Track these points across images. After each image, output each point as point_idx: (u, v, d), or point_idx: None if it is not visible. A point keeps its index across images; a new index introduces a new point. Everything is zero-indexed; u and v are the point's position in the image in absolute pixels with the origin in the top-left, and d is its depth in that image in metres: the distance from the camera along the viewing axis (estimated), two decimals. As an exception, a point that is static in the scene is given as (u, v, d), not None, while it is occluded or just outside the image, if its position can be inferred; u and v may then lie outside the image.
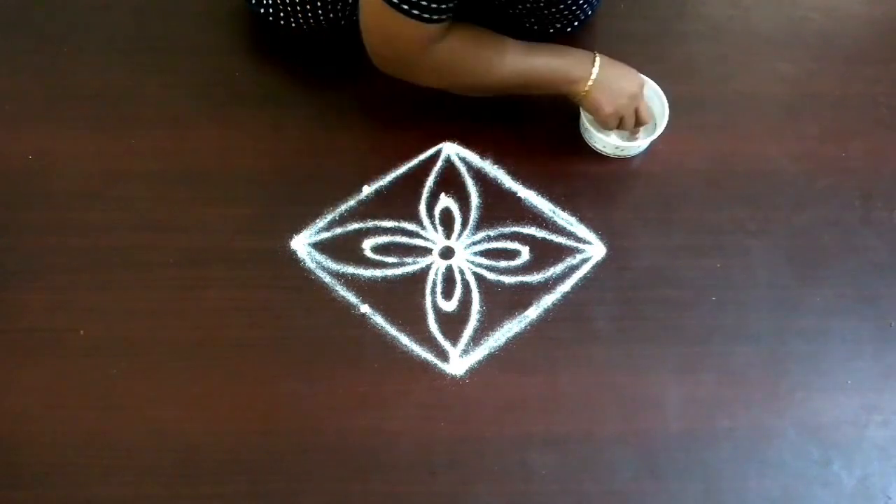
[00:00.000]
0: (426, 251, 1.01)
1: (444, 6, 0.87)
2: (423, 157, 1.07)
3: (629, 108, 1.01)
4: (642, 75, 1.06)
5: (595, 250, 1.02)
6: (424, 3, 0.85)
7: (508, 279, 1.00)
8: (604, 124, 1.02)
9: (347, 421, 0.91)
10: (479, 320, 0.97)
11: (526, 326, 0.97)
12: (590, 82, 0.97)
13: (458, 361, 0.95)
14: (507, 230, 1.03)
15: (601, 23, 1.18)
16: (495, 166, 1.07)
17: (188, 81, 1.12)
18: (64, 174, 1.05)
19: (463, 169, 1.07)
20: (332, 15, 1.08)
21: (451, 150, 1.08)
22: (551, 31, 1.14)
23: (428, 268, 1.00)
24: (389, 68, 0.97)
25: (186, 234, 1.01)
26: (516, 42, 0.98)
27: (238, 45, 1.15)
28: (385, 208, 1.03)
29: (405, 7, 0.85)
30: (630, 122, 1.03)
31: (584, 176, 1.07)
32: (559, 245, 1.02)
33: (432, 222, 1.03)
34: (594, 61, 0.98)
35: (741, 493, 0.90)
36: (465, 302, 0.98)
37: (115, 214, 1.02)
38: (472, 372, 0.94)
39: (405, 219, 1.03)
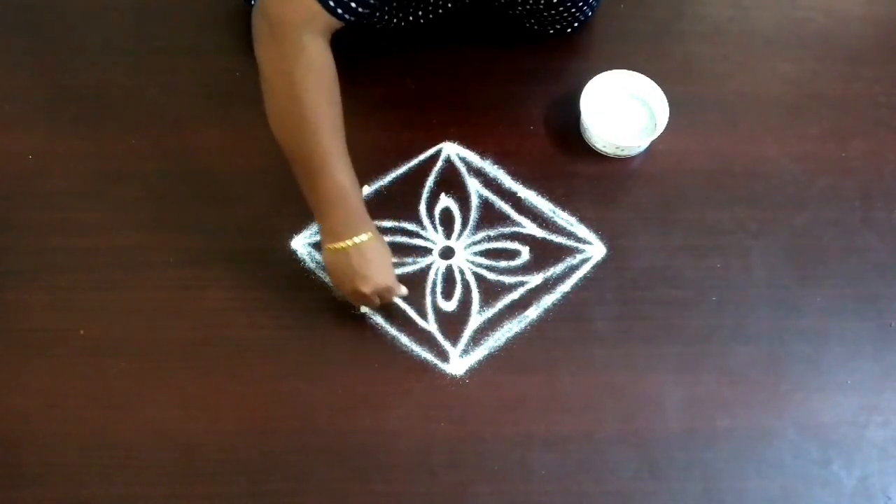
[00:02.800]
0: (426, 251, 1.01)
1: (354, 6, 0.80)
2: (423, 157, 1.07)
3: (353, 296, 0.91)
4: (641, 75, 1.06)
5: (595, 250, 1.02)
6: None
7: (508, 279, 1.00)
8: (334, 284, 0.93)
9: (347, 421, 0.91)
10: (479, 320, 0.97)
11: (526, 326, 0.97)
12: (331, 246, 0.88)
13: (458, 361, 0.95)
14: (507, 230, 1.03)
15: (601, 23, 1.18)
16: (495, 166, 1.07)
17: (188, 81, 1.12)
18: (64, 174, 1.05)
19: (463, 169, 1.07)
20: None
21: (451, 150, 1.08)
22: (551, 31, 1.14)
23: (428, 268, 1.00)
24: (255, 28, 0.82)
25: (186, 234, 1.01)
26: (335, 139, 0.84)
27: (238, 45, 1.15)
28: (385, 208, 1.03)
29: None
30: (356, 302, 0.93)
31: (584, 176, 1.07)
32: (559, 245, 1.02)
33: (432, 222, 1.03)
34: (364, 232, 0.87)
35: (741, 493, 0.90)
36: (465, 302, 0.98)
37: (115, 214, 1.02)
38: (472, 372, 0.94)
39: (405, 219, 1.03)
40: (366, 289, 0.88)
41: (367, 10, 0.82)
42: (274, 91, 0.82)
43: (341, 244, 0.87)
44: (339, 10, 0.80)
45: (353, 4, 0.80)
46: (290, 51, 0.80)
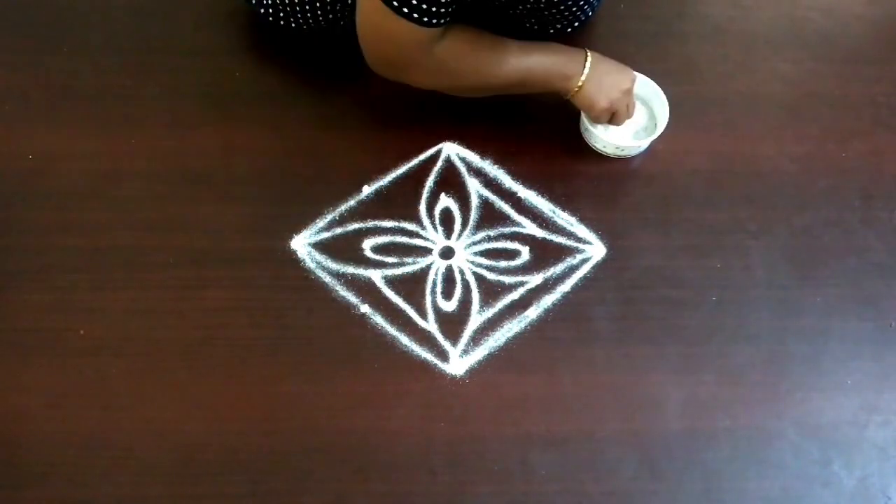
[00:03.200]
0: (426, 251, 1.01)
1: (443, 10, 0.86)
2: (423, 157, 1.07)
3: (622, 102, 1.01)
4: (641, 75, 1.07)
5: (595, 250, 1.02)
6: (424, 6, 0.85)
7: (508, 279, 1.00)
8: (596, 119, 1.03)
9: (347, 421, 0.91)
10: (479, 320, 0.97)
11: (526, 326, 0.97)
12: (582, 78, 0.98)
13: (458, 361, 0.95)
14: (507, 230, 1.03)
15: (601, 23, 1.18)
16: (495, 166, 1.07)
17: (188, 81, 1.12)
18: (64, 174, 1.05)
19: (463, 169, 1.07)
20: (331, 15, 1.08)
21: (451, 150, 1.08)
22: (551, 31, 1.14)
23: (428, 268, 1.00)
24: (385, 70, 0.97)
25: (186, 234, 1.01)
26: (510, 42, 0.98)
27: (238, 45, 1.15)
28: (385, 208, 1.03)
29: (405, 10, 0.85)
30: (622, 117, 1.03)
31: (584, 176, 1.07)
32: (559, 245, 1.02)
33: (432, 222, 1.03)
34: (586, 58, 0.98)
35: (741, 493, 0.90)
36: (465, 302, 0.98)
37: (115, 214, 1.02)
38: (472, 372, 0.94)
39: (405, 219, 1.03)
40: (627, 83, 1.01)
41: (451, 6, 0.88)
42: (451, 89, 1.01)
43: (581, 78, 0.98)
44: (433, 20, 0.87)
45: (434, 8, 0.86)
46: (433, 62, 0.94)
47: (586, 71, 0.98)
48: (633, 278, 1.00)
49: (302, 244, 1.01)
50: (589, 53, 0.99)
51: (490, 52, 0.96)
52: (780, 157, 1.09)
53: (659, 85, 1.07)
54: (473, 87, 1.01)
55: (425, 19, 0.86)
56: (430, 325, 0.97)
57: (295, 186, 1.05)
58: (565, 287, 0.99)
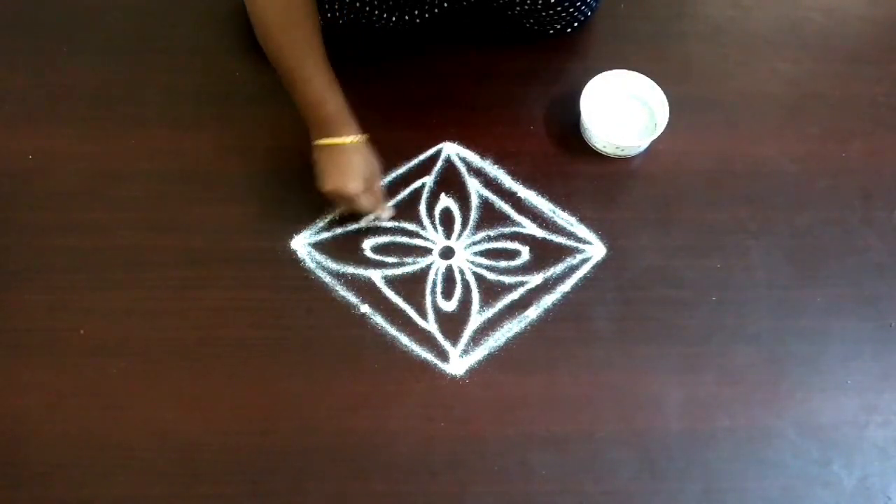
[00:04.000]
0: (426, 251, 1.01)
1: None
2: (423, 157, 1.07)
3: (339, 200, 0.96)
4: (641, 75, 1.07)
5: (595, 250, 1.02)
6: None
7: (508, 279, 1.00)
8: (319, 184, 0.96)
9: (347, 421, 0.91)
10: (479, 320, 0.97)
11: (526, 326, 0.97)
12: (325, 141, 0.93)
13: (458, 361, 0.95)
14: (507, 230, 1.03)
15: (601, 23, 1.18)
16: (495, 166, 1.07)
17: (188, 81, 1.12)
18: (64, 174, 1.05)
19: (463, 169, 1.07)
20: (329, 14, 1.08)
21: (451, 150, 1.08)
22: (551, 31, 1.14)
23: (428, 268, 1.00)
24: None
25: (186, 234, 1.01)
26: (317, 56, 0.91)
27: (238, 45, 1.15)
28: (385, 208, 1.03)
29: None
30: (340, 201, 0.98)
31: (584, 176, 1.07)
32: (559, 245, 1.02)
33: (432, 222, 1.03)
34: (353, 136, 0.93)
35: (741, 493, 0.90)
36: (465, 302, 0.98)
37: (115, 214, 1.02)
38: (472, 372, 0.94)
39: (405, 219, 1.03)
40: (324, 187, 0.94)
41: None
42: (258, 21, 0.90)
43: (317, 142, 0.94)
44: None
45: None
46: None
47: (335, 140, 0.93)
48: (633, 278, 1.00)
49: (302, 244, 1.01)
50: (358, 138, 0.93)
51: (295, 32, 0.90)
52: (780, 157, 1.09)
53: (659, 85, 1.07)
54: (264, 46, 0.92)
55: None
56: (430, 325, 0.97)
57: (295, 186, 1.05)
58: (565, 287, 0.99)
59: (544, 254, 1.01)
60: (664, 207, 1.05)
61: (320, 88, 0.92)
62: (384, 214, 1.01)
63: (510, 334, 0.96)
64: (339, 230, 1.02)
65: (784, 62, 1.17)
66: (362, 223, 1.02)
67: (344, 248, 1.01)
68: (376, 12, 1.07)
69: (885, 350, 0.98)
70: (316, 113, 0.93)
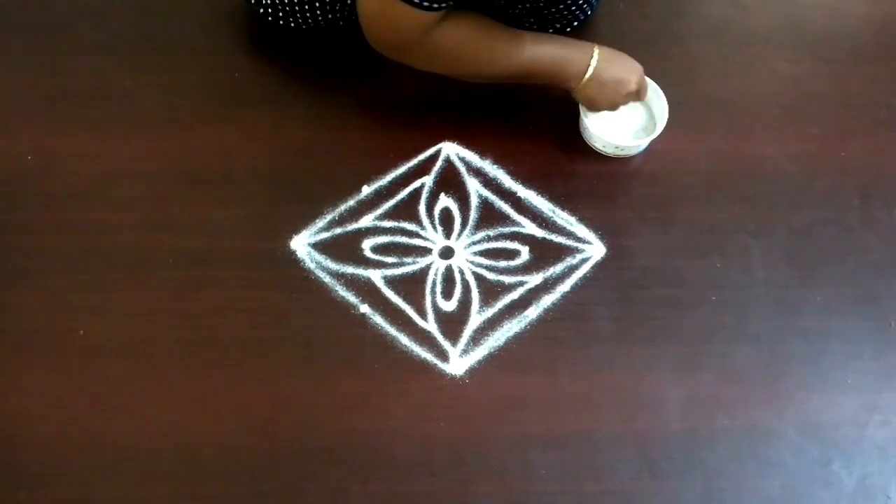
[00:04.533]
0: (426, 251, 1.02)
1: None
2: (423, 157, 1.07)
3: (624, 101, 1.02)
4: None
5: (595, 250, 1.02)
6: None
7: (508, 279, 1.00)
8: (596, 111, 1.04)
9: (347, 421, 0.91)
10: (478, 320, 0.97)
11: (526, 326, 0.97)
12: (586, 77, 0.98)
13: (458, 361, 0.95)
14: (506, 230, 1.03)
15: (601, 23, 1.18)
16: (495, 166, 1.07)
17: (188, 81, 1.12)
18: (64, 174, 1.05)
19: (463, 169, 1.07)
20: (330, 15, 1.08)
21: (451, 150, 1.08)
22: (551, 30, 1.14)
23: (428, 268, 1.00)
24: (386, 52, 0.97)
25: (186, 234, 1.01)
26: (513, 31, 0.97)
27: (238, 45, 1.15)
28: (385, 208, 1.03)
29: None
30: (624, 105, 1.04)
31: (584, 176, 1.07)
32: (559, 245, 1.02)
33: (432, 222, 1.03)
34: (592, 56, 0.98)
35: (741, 493, 0.90)
36: (465, 302, 0.98)
37: (115, 214, 1.02)
38: (472, 372, 0.94)
39: (405, 219, 1.03)
40: (636, 81, 1.00)
41: None
42: (451, 73, 0.99)
43: (588, 74, 0.97)
44: (433, 4, 0.87)
45: None
46: (430, 48, 0.93)
47: (590, 71, 0.97)
48: (632, 278, 1.00)
49: (302, 244, 1.01)
50: (596, 51, 0.98)
51: (492, 41, 0.96)
52: (780, 157, 1.09)
53: (659, 85, 1.07)
54: (474, 74, 1.01)
55: (425, 3, 0.86)
56: (430, 325, 0.97)
57: (295, 186, 1.05)
58: (565, 287, 0.99)
59: (544, 253, 1.01)
60: (664, 207, 1.05)
61: (541, 49, 0.97)
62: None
63: (510, 334, 0.96)
64: (338, 230, 1.02)
65: (784, 62, 1.17)
66: (362, 222, 1.01)
67: (344, 248, 1.01)
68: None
69: (885, 350, 0.98)
70: (560, 67, 0.97)
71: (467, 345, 0.96)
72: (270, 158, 1.07)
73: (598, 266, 1.01)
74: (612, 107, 1.02)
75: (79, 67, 1.13)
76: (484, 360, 0.95)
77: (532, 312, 0.98)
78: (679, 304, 0.99)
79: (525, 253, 1.02)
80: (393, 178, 1.06)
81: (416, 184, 1.05)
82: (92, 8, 1.19)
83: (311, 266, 1.00)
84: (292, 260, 1.00)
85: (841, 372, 0.96)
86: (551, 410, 0.93)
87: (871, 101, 1.14)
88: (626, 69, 1.00)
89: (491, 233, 1.03)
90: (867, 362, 0.97)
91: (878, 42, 1.21)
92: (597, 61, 0.97)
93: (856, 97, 1.14)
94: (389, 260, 1.00)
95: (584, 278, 1.00)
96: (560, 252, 1.02)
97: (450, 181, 1.06)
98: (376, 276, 0.99)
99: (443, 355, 0.95)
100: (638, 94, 1.03)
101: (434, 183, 1.06)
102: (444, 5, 0.88)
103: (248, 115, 1.10)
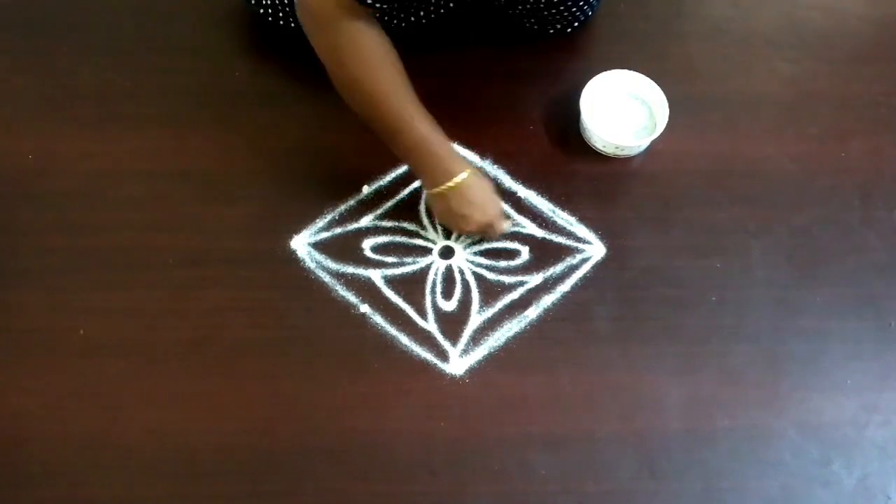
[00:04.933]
0: (426, 251, 1.01)
1: None
2: (423, 157, 1.07)
3: (458, 231, 0.98)
4: (641, 74, 1.07)
5: (595, 250, 1.02)
6: None
7: (508, 279, 1.00)
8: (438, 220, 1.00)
9: (347, 421, 0.91)
10: (478, 320, 0.97)
11: (526, 326, 0.97)
12: (435, 189, 0.93)
13: (458, 361, 0.95)
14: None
15: (601, 23, 1.18)
16: (495, 166, 1.07)
17: (188, 81, 1.12)
18: (64, 174, 1.05)
19: (463, 169, 1.07)
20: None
21: (451, 150, 1.08)
22: (551, 31, 1.14)
23: (428, 268, 1.00)
24: (303, 21, 0.89)
25: (186, 234, 1.01)
26: (415, 99, 0.90)
27: (238, 45, 1.15)
28: (385, 208, 1.03)
29: None
30: (466, 233, 0.99)
31: (584, 176, 1.07)
32: (559, 245, 1.02)
33: (432, 222, 1.03)
34: (456, 177, 0.91)
35: (740, 493, 0.90)
36: (465, 302, 0.98)
37: (115, 214, 1.02)
38: (472, 372, 0.94)
39: (405, 219, 1.03)
40: (470, 228, 0.95)
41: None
42: (333, 75, 0.90)
43: (438, 189, 0.92)
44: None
45: None
46: (334, 38, 0.87)
47: (441, 188, 0.92)
48: (632, 278, 1.00)
49: (302, 244, 1.01)
50: (463, 177, 0.91)
51: (392, 80, 0.88)
52: (780, 157, 1.09)
53: (659, 85, 1.07)
54: (348, 99, 0.91)
55: None
56: (430, 325, 0.97)
57: (295, 186, 1.05)
58: (565, 287, 0.99)
59: (544, 253, 1.01)
60: (664, 207, 1.05)
61: (426, 131, 0.90)
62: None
63: (510, 334, 0.96)
64: (338, 230, 1.02)
65: (784, 62, 1.17)
66: (362, 222, 1.01)
67: (344, 248, 1.01)
68: (377, 14, 1.07)
69: (885, 350, 0.98)
70: (426, 157, 0.91)
71: (467, 345, 0.96)
72: (270, 158, 1.07)
73: (598, 266, 1.01)
74: (448, 226, 0.98)
75: (79, 67, 1.13)
76: (484, 360, 0.95)
77: (532, 312, 0.98)
78: (679, 304, 0.99)
79: (525, 253, 1.02)
80: (393, 178, 1.05)
81: (417, 184, 1.05)
82: (92, 8, 1.18)
83: (311, 266, 1.00)
84: (292, 260, 1.00)
85: (841, 372, 0.96)
86: (551, 410, 0.93)
87: (871, 101, 1.14)
88: (477, 209, 0.93)
89: (491, 233, 1.03)
90: (867, 362, 0.97)
91: (878, 42, 1.21)
92: (454, 184, 0.91)
93: (856, 97, 1.14)
94: (389, 260, 1.00)
95: (584, 278, 1.00)
96: (560, 252, 1.02)
97: (450, 181, 1.06)
98: (376, 275, 0.99)
99: (443, 355, 0.95)
100: (483, 233, 0.97)
101: (434, 183, 1.05)
102: (372, 3, 0.85)
103: (247, 114, 1.10)
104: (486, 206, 0.95)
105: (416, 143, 0.90)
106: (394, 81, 0.89)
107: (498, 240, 1.01)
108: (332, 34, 0.86)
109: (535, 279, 1.00)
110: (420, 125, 0.89)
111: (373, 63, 0.88)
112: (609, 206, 1.06)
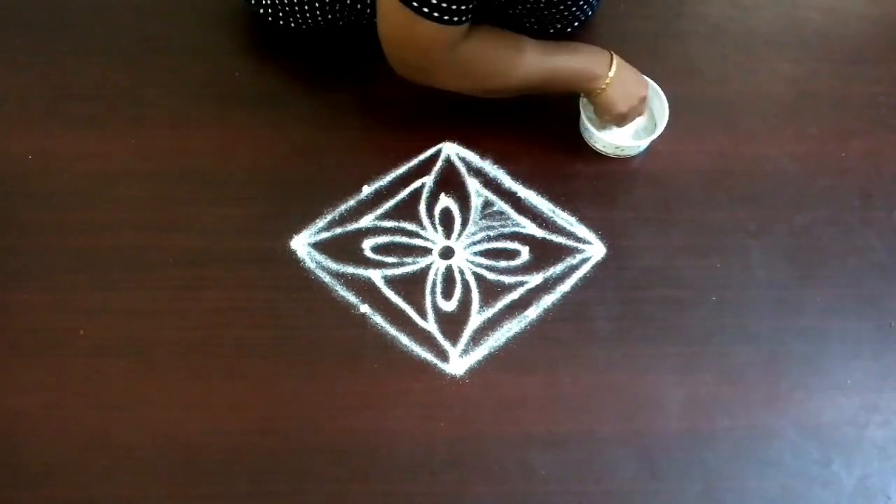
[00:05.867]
0: (426, 251, 1.02)
1: (464, 7, 0.85)
2: (423, 157, 1.07)
3: (638, 110, 1.03)
4: (642, 74, 1.07)
5: (595, 250, 1.02)
6: (444, 5, 0.83)
7: (508, 279, 1.00)
8: (611, 121, 1.03)
9: (347, 421, 0.91)
10: (478, 320, 0.97)
11: (526, 326, 0.97)
12: (607, 80, 0.98)
13: (458, 361, 0.95)
14: (507, 230, 1.03)
15: (601, 23, 1.18)
16: (495, 166, 1.07)
17: (188, 81, 1.12)
18: (64, 174, 1.05)
19: (463, 169, 1.07)
20: (330, 15, 1.08)
21: (451, 150, 1.08)
22: (551, 31, 1.14)
23: (428, 268, 1.00)
24: (409, 73, 0.96)
25: (186, 234, 1.01)
26: (534, 42, 0.97)
27: (238, 45, 1.15)
28: (385, 208, 1.03)
29: (425, 10, 0.84)
30: (629, 121, 1.04)
31: (584, 176, 1.07)
32: (559, 245, 1.02)
33: (432, 222, 1.03)
34: (611, 61, 0.98)
35: (741, 493, 0.90)
36: (465, 302, 0.98)
37: (115, 214, 1.02)
38: (472, 372, 0.94)
39: (405, 219, 1.03)
40: (644, 91, 1.02)
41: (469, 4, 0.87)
42: (472, 90, 0.99)
43: (607, 80, 0.98)
44: (454, 17, 0.86)
45: (454, 6, 0.85)
46: (452, 64, 0.93)
47: (611, 74, 0.98)
48: (633, 278, 1.00)
49: (302, 244, 1.01)
50: (614, 56, 0.99)
51: (515, 52, 0.95)
52: (780, 157, 1.09)
53: (659, 85, 1.07)
54: (499, 89, 0.99)
55: (446, 17, 0.85)
56: (430, 325, 0.97)
57: (295, 186, 1.05)
58: (565, 287, 0.99)
59: (544, 254, 1.01)
60: (664, 207, 1.05)
61: (563, 52, 0.98)
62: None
63: (510, 334, 0.96)
64: (338, 230, 1.02)
65: (784, 62, 1.17)
66: (362, 222, 1.02)
67: (344, 248, 1.01)
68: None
69: (885, 350, 0.98)
70: (584, 68, 0.97)
71: (467, 345, 0.96)
72: (270, 158, 1.07)
73: (599, 266, 1.01)
74: (627, 113, 1.01)
75: (79, 67, 1.13)
76: (484, 360, 0.95)
77: (532, 312, 0.98)
78: (679, 304, 0.99)
79: (525, 253, 1.02)
80: (393, 178, 1.06)
81: (417, 184, 1.05)
82: (92, 8, 1.18)
83: (311, 266, 1.00)
84: (292, 260, 1.00)
85: (841, 372, 0.96)
86: (551, 410, 0.93)
87: (871, 101, 1.14)
88: (636, 77, 1.02)
89: (491, 233, 1.03)
90: (867, 362, 0.97)
91: (878, 42, 1.21)
92: (616, 66, 0.98)
93: (856, 97, 1.14)
94: (389, 260, 1.00)
95: (585, 278, 1.00)
96: (560, 252, 1.02)
97: (450, 181, 1.06)
98: (376, 276, 0.99)
99: (443, 355, 0.95)
100: (642, 105, 1.03)
101: (434, 183, 1.06)
102: (465, 18, 0.87)
103: (247, 115, 1.10)
104: (636, 73, 1.02)
105: (560, 70, 0.97)
106: (503, 55, 0.95)
107: (410, 237, 1.02)
108: (452, 59, 0.92)
109: (535, 279, 1.00)
110: (548, 56, 0.97)
111: (496, 56, 0.95)
112: (609, 206, 1.06)
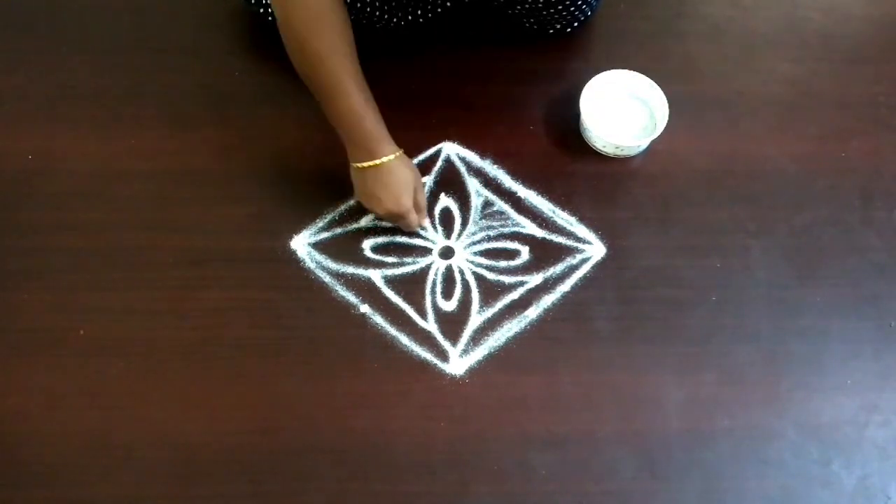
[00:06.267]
0: (426, 251, 1.01)
1: None
2: (423, 157, 1.07)
3: (372, 211, 0.96)
4: (641, 74, 1.07)
5: (595, 250, 1.02)
6: None
7: (508, 279, 1.00)
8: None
9: (347, 421, 0.91)
10: (478, 320, 0.97)
11: (526, 326, 0.97)
12: (358, 165, 0.92)
13: (458, 361, 0.95)
14: (507, 230, 1.03)
15: (601, 23, 1.18)
16: (495, 166, 1.07)
17: (188, 81, 1.12)
18: (64, 174, 1.05)
19: (463, 169, 1.07)
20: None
21: (451, 150, 1.08)
22: (551, 31, 1.14)
23: (428, 268, 1.00)
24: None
25: (186, 234, 1.01)
26: (353, 67, 0.89)
27: (238, 45, 1.15)
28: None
29: None
30: (393, 222, 0.99)
31: (584, 176, 1.07)
32: (559, 245, 1.02)
33: (432, 222, 1.03)
34: (381, 159, 0.90)
35: (741, 493, 0.90)
36: (465, 302, 0.98)
37: (115, 214, 1.02)
38: (472, 372, 0.94)
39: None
40: (379, 212, 0.94)
41: None
42: (285, 36, 0.88)
43: (360, 164, 0.92)
44: None
45: None
46: (291, 8, 0.85)
47: (363, 165, 0.91)
48: (632, 278, 1.00)
49: (302, 244, 1.01)
50: (389, 159, 0.91)
51: (327, 44, 0.87)
52: (780, 157, 1.09)
53: (659, 85, 1.07)
54: (295, 58, 0.90)
55: None
56: (430, 325, 0.97)
57: (295, 186, 1.05)
58: (565, 287, 0.99)
59: (544, 254, 1.01)
60: (664, 207, 1.05)
61: (360, 103, 0.89)
62: (425, 223, 1.01)
63: (510, 334, 0.96)
64: (338, 230, 1.02)
65: (784, 62, 1.17)
66: (362, 222, 1.02)
67: (344, 248, 1.01)
68: (377, 13, 1.07)
69: (885, 350, 0.98)
70: (355, 130, 0.90)
71: (467, 345, 0.96)
72: (270, 158, 1.07)
73: (598, 266, 1.01)
74: (362, 203, 0.96)
75: (79, 67, 1.13)
76: (484, 360, 0.95)
77: (532, 312, 0.98)
78: (679, 304, 0.99)
79: (525, 253, 1.02)
80: (393, 178, 1.05)
81: (416, 184, 1.05)
82: (92, 8, 1.19)
83: (311, 266, 1.00)
84: (292, 260, 1.00)
85: (841, 372, 0.96)
86: (551, 410, 0.93)
87: (871, 101, 1.14)
88: (390, 196, 0.93)
89: (491, 233, 1.03)
90: (867, 362, 0.97)
91: (878, 42, 1.21)
92: (374, 164, 0.91)
93: (856, 97, 1.14)
94: (389, 260, 1.01)
95: (584, 278, 1.00)
96: (560, 252, 1.02)
97: (450, 181, 1.06)
98: (376, 275, 0.99)
99: (443, 355, 0.95)
100: (397, 219, 0.96)
101: (434, 183, 1.06)
102: None
103: (247, 114, 1.10)
104: (400, 196, 0.93)
105: (348, 112, 0.89)
106: (339, 48, 0.87)
107: (409, 236, 1.01)
108: (293, 4, 0.85)
109: (535, 279, 1.00)
110: (356, 96, 0.88)
111: (322, 25, 0.86)
112: (609, 206, 1.06)
